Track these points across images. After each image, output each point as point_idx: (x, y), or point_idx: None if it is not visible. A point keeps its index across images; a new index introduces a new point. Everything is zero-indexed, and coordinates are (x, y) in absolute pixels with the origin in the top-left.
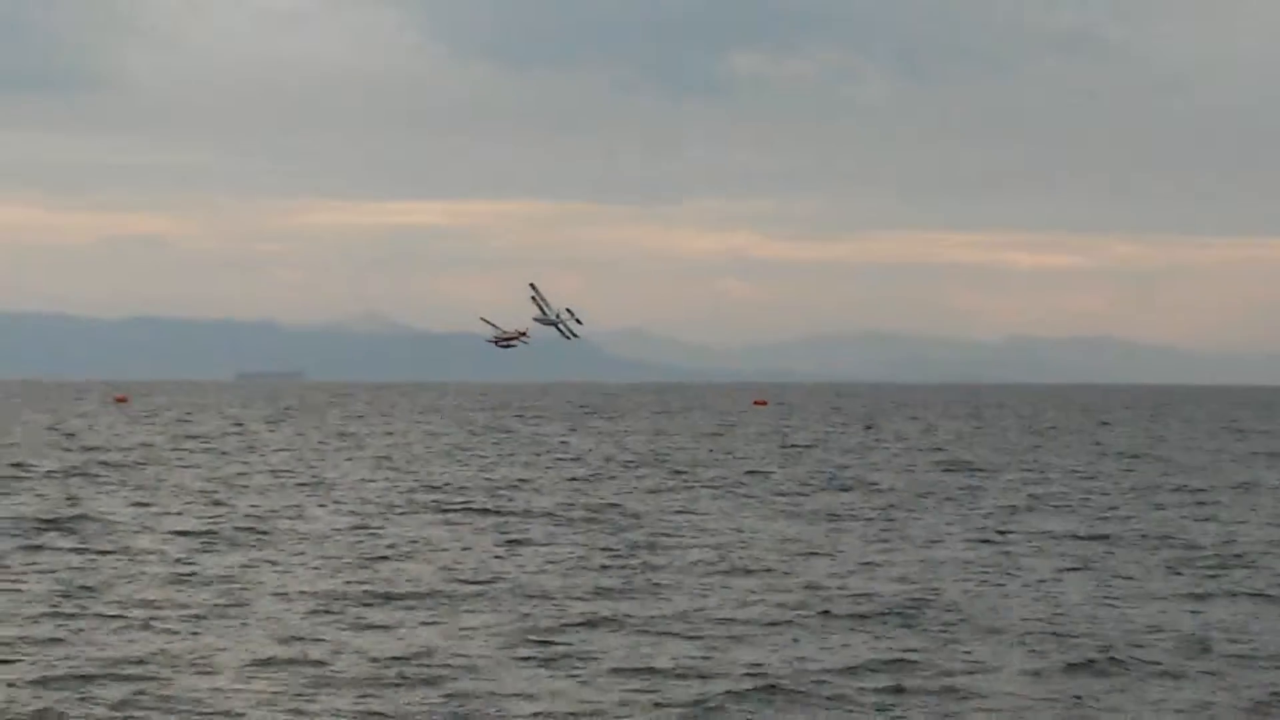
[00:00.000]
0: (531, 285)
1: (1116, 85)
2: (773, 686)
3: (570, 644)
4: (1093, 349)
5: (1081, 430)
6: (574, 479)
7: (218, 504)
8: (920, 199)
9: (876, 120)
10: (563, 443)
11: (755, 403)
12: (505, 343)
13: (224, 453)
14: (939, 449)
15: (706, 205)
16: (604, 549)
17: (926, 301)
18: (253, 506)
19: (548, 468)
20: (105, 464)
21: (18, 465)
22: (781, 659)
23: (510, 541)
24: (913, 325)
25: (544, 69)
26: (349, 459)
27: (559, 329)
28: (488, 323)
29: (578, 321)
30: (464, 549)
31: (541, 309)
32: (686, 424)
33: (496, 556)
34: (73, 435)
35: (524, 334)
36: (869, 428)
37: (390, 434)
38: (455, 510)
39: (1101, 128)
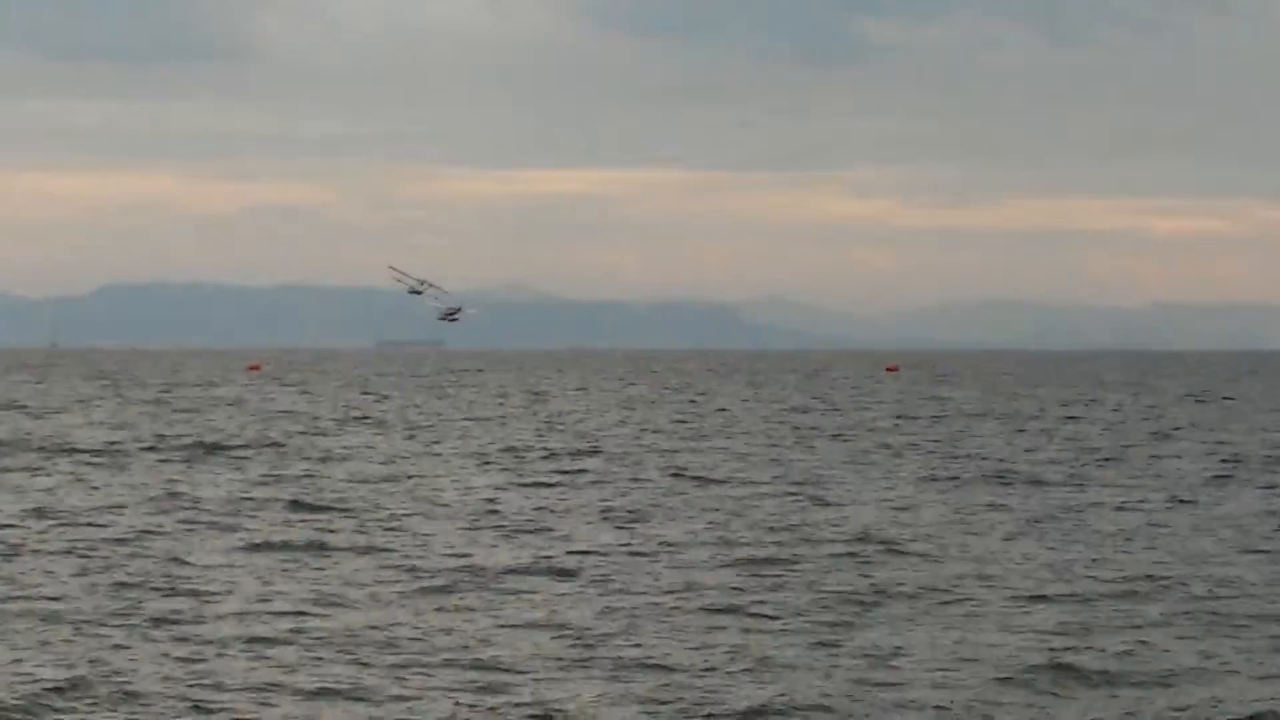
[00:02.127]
0: (391, 268)
1: (1261, 45)
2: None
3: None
4: (1241, 315)
5: None
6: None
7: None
8: (1059, 165)
9: (1016, 86)
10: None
11: (888, 369)
12: (450, 317)
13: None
14: None
15: (846, 173)
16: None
17: (1068, 268)
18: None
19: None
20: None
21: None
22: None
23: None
24: (1054, 293)
25: (685, 36)
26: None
27: (428, 296)
28: (396, 271)
29: (436, 288)
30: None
31: (405, 283)
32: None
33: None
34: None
35: (459, 309)
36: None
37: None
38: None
39: (1244, 89)
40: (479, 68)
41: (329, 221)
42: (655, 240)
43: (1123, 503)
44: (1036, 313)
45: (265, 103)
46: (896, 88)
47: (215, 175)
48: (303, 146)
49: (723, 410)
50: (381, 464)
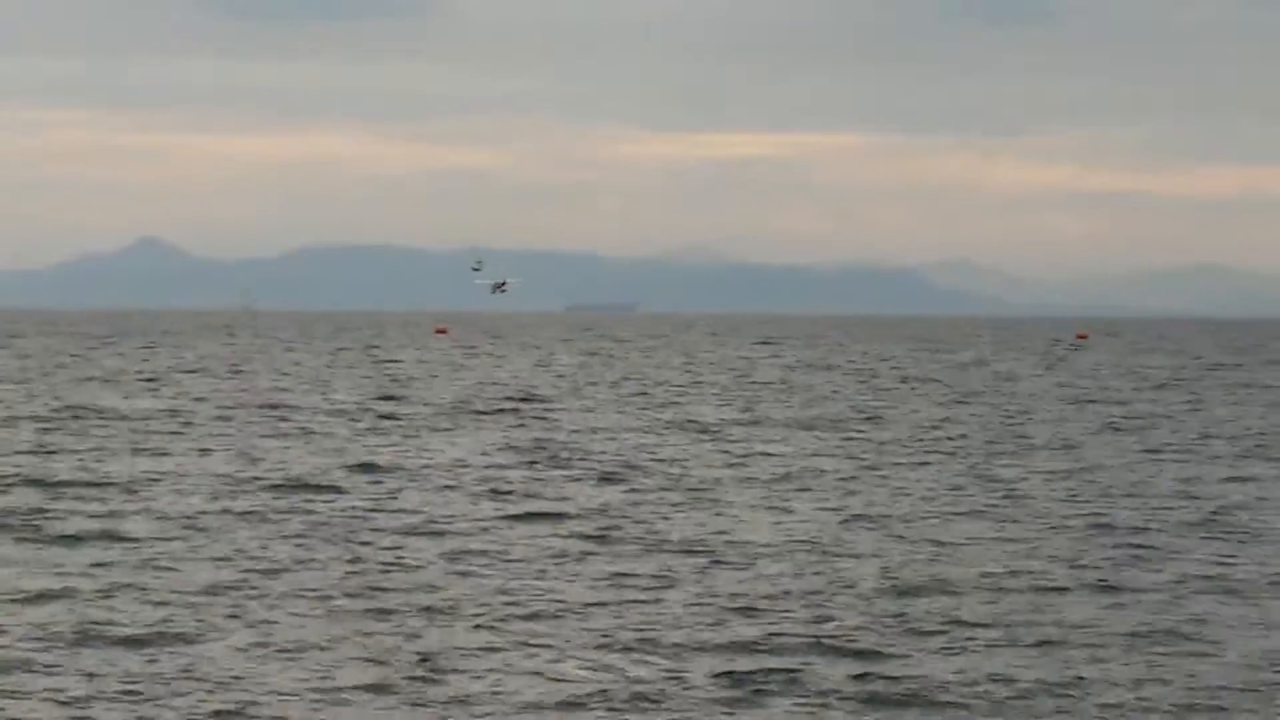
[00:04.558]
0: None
1: None
2: None
3: None
4: None
5: None
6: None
7: None
8: (1254, 127)
9: (1208, 46)
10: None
11: (1077, 336)
12: (500, 289)
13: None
14: None
15: (1031, 136)
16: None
17: (1264, 235)
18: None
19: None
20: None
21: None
22: None
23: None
24: (1249, 260)
25: None
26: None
27: (483, 274)
28: (477, 270)
29: (476, 268)
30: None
31: (473, 263)
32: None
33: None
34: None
35: (505, 281)
36: None
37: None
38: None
39: None
40: (665, 29)
41: (513, 183)
42: (838, 203)
43: None
44: (1231, 280)
45: (448, 62)
46: (1082, 49)
47: (399, 136)
48: (486, 106)
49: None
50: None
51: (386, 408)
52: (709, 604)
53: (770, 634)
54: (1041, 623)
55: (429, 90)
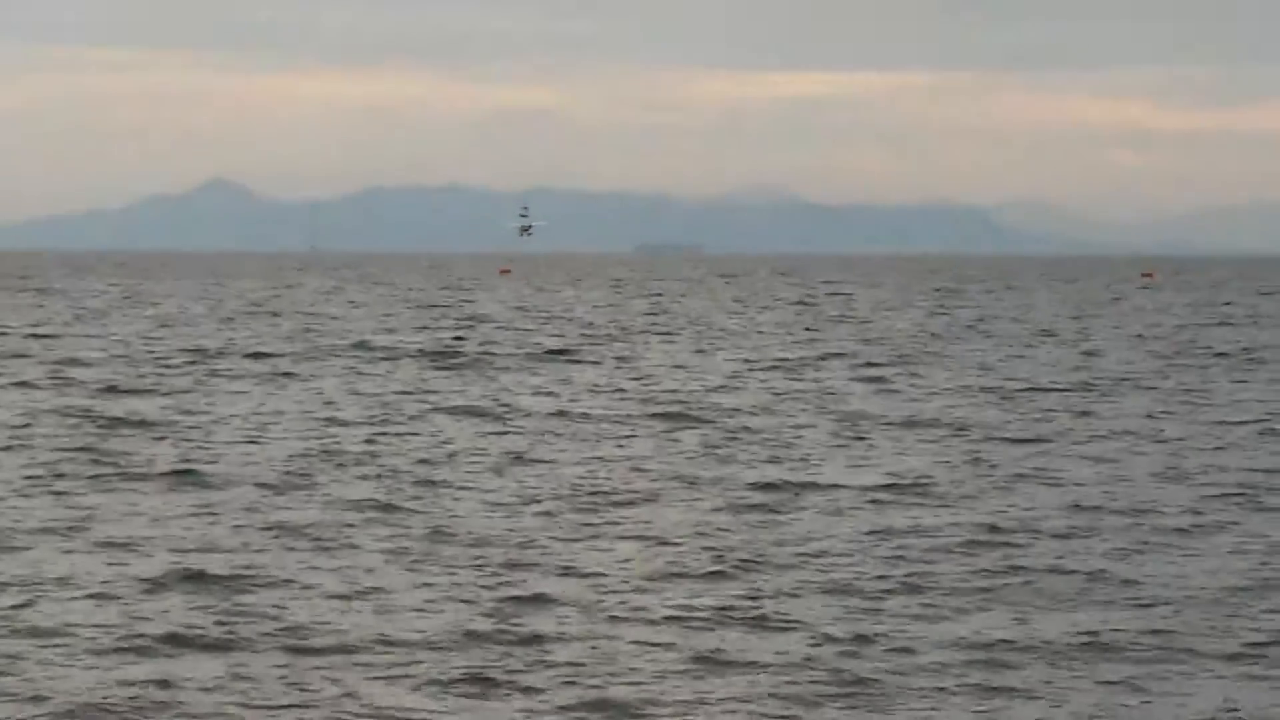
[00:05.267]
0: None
1: None
2: None
3: None
4: None
5: None
6: None
7: None
8: None
9: None
10: None
11: (1143, 275)
12: (525, 232)
13: None
14: None
15: (1099, 73)
16: None
17: None
18: None
19: None
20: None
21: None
22: None
23: None
24: None
25: None
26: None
27: (518, 219)
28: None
29: (523, 214)
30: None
31: (521, 215)
32: None
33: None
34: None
35: (531, 224)
36: None
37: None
38: None
39: None
40: None
41: (580, 124)
42: (904, 142)
43: None
44: None
45: (512, 2)
46: None
47: (467, 77)
48: (552, 47)
49: None
50: None
51: (462, 348)
52: (795, 547)
53: (855, 576)
54: (1134, 567)
55: (494, 31)
